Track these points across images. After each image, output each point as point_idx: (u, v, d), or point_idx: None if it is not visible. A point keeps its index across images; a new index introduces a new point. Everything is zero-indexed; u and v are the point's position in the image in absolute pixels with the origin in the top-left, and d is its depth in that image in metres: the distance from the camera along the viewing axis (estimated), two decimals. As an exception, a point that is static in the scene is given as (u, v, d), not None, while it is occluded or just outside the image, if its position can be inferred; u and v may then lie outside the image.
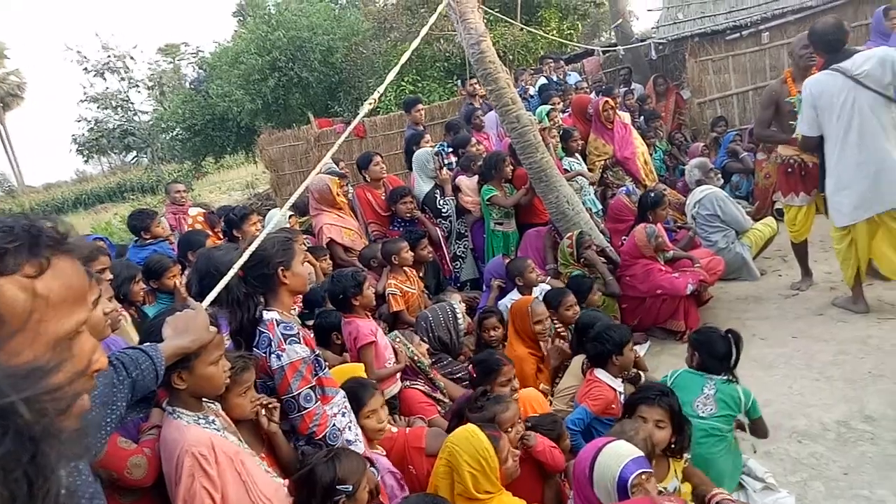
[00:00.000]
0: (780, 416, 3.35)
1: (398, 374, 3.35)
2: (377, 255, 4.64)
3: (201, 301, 2.56)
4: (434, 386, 3.53)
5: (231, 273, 2.21)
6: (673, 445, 2.53)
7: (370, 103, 2.75)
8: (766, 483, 2.85)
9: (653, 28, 10.28)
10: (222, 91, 16.40)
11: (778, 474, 2.92)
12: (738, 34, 8.42)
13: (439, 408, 3.38)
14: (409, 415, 3.22)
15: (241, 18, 22.36)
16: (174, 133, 20.07)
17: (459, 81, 11.65)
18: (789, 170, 4.66)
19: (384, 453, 2.77)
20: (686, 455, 2.60)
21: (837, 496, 2.74)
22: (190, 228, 5.38)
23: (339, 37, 15.64)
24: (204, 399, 1.96)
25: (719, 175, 6.67)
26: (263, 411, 2.21)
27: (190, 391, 1.88)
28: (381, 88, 2.83)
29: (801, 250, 4.95)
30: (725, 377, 2.89)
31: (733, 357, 2.93)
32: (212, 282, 2.28)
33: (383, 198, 5.49)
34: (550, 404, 3.39)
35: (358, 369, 2.95)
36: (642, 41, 10.50)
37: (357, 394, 2.71)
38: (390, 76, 2.94)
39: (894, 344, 3.83)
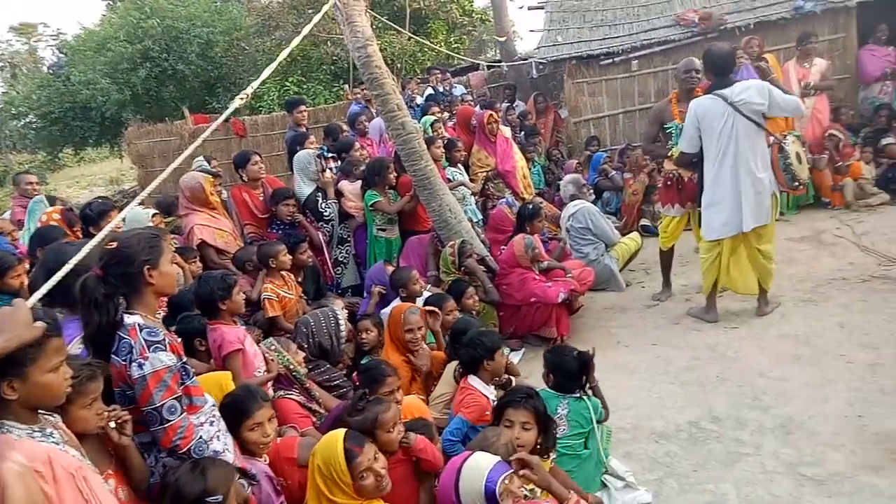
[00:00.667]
0: (641, 418, 3.57)
1: (270, 383, 3.21)
2: (253, 258, 4.44)
3: (52, 303, 2.31)
4: (310, 396, 3.42)
5: (67, 267, 1.99)
6: (539, 446, 2.61)
7: (242, 98, 2.63)
8: (626, 481, 3.02)
9: (535, 49, 10.73)
10: (85, 78, 15.10)
11: (637, 473, 3.11)
12: (610, 60, 8.98)
13: (314, 419, 3.28)
14: (282, 425, 3.09)
15: (111, 2, 20.76)
16: (27, 120, 18.18)
17: (346, 85, 11.55)
18: (669, 183, 5.05)
19: (266, 461, 2.66)
20: (552, 455, 2.69)
21: (688, 491, 2.96)
22: (42, 225, 4.87)
23: (220, 30, 14.97)
24: (41, 411, 1.76)
25: (591, 191, 7.06)
26: (113, 424, 2.03)
27: (23, 402, 1.66)
28: (256, 84, 2.72)
29: (667, 258, 5.34)
30: (577, 395, 3.00)
31: (584, 376, 3.03)
32: (63, 280, 2.06)
33: (261, 199, 5.28)
34: (427, 412, 3.39)
35: (225, 378, 2.80)
36: (525, 60, 10.94)
37: (244, 404, 2.58)
38: (266, 72, 2.84)
39: (737, 351, 4.21)
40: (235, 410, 2.55)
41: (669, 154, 4.92)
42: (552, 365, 3.07)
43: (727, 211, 4.44)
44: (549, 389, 3.05)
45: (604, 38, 9.30)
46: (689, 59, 5.12)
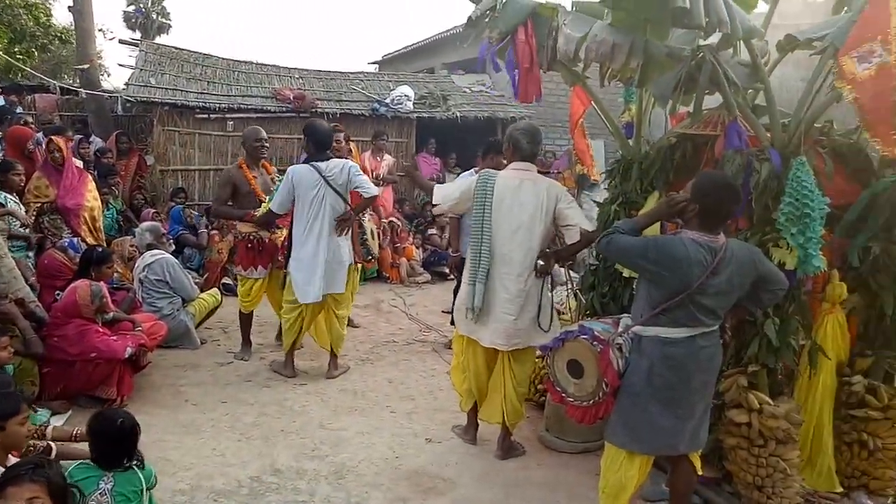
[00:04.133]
0: (201, 478, 3.41)
1: None
2: None
3: None
4: None
5: None
6: None
7: None
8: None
9: (123, 85, 9.90)
10: None
11: (192, 536, 2.93)
12: (206, 115, 8.90)
13: None
14: None
15: None
16: None
17: None
18: (249, 245, 5.07)
19: None
20: None
21: (244, 547, 2.92)
22: None
23: None
24: None
25: (171, 242, 6.70)
26: None
27: None
28: None
29: (247, 321, 5.35)
30: (126, 465, 2.66)
31: (133, 445, 2.71)
32: None
33: None
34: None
35: None
36: (110, 94, 9.99)
37: None
38: None
39: (303, 405, 4.44)
40: None
41: (246, 216, 5.04)
42: (94, 434, 2.65)
43: (311, 275, 4.67)
44: (89, 462, 2.63)
45: (201, 93, 9.21)
46: (255, 128, 5.45)
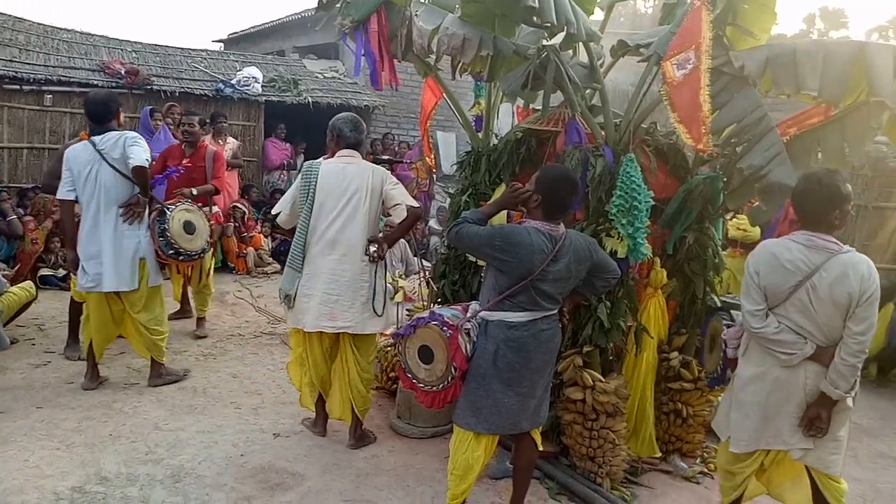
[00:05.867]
0: (10, 493, 3.02)
1: None
2: None
3: None
4: None
5: None
6: None
7: None
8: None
9: None
10: None
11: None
12: (18, 87, 7.88)
13: None
14: None
15: None
16: None
17: None
18: None
19: None
20: None
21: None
22: None
23: None
24: None
25: (-25, 229, 5.87)
26: None
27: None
28: None
29: (77, 310, 4.68)
30: None
31: None
32: None
33: None
34: None
35: None
36: None
37: None
38: None
39: (135, 406, 4.08)
40: None
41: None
42: None
43: (101, 264, 4.09)
44: None
45: (11, 60, 8.14)
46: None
